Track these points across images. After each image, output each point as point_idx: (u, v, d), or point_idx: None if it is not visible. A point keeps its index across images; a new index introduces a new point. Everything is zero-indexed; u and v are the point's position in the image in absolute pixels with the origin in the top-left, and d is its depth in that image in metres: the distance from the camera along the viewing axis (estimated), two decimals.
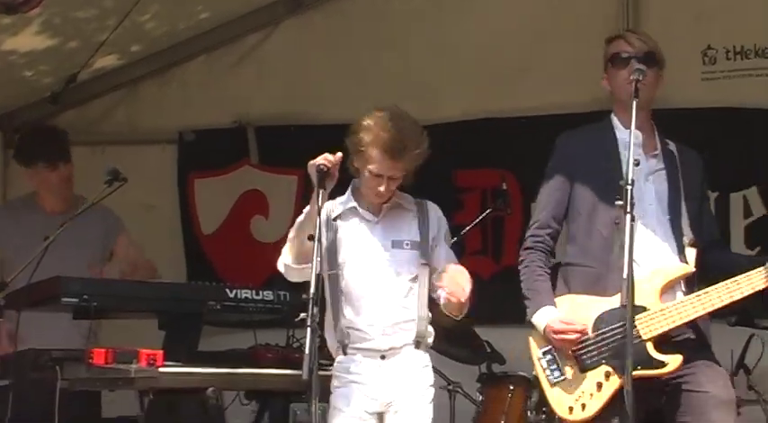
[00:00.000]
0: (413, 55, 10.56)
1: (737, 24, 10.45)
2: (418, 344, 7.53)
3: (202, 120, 11.62)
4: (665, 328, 6.97)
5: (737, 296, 7.00)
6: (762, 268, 6.98)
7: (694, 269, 7.15)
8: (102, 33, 10.71)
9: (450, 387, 9.28)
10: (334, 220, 7.50)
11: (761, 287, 6.96)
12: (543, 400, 8.85)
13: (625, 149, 6.98)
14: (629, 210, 6.59)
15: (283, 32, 11.47)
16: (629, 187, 6.62)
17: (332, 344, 7.55)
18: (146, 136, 11.58)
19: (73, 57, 11.03)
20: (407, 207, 7.61)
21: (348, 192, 7.56)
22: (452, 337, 8.87)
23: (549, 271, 7.55)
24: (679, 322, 7.01)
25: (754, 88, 10.23)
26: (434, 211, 7.69)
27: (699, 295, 7.05)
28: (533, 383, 9.13)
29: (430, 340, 7.68)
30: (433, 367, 8.07)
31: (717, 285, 7.02)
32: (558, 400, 7.33)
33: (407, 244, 7.49)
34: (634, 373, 6.71)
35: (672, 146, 7.49)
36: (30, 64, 10.90)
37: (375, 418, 7.51)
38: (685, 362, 7.03)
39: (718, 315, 7.61)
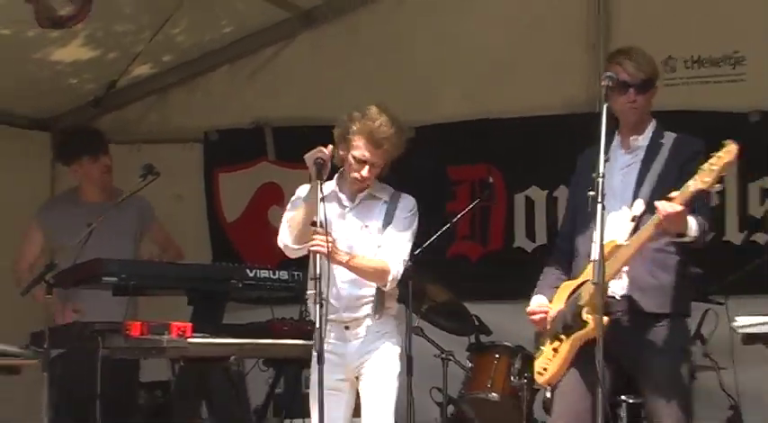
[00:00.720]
0: (412, 64, 10.64)
1: (694, 37, 10.57)
2: (378, 314, 7.70)
3: (225, 121, 11.72)
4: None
5: (628, 254, 7.15)
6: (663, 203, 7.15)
7: (622, 242, 7.16)
8: (138, 45, 10.78)
9: (444, 355, 9.25)
10: (321, 200, 7.47)
11: (648, 235, 7.06)
12: (525, 367, 9.12)
13: (614, 154, 7.32)
14: (599, 199, 6.77)
15: (298, 45, 11.50)
16: (600, 179, 6.77)
17: (312, 311, 7.50)
18: (176, 135, 11.62)
19: (112, 66, 11.10)
20: (381, 197, 7.72)
21: (335, 178, 7.72)
22: (445, 312, 9.02)
23: (556, 270, 7.73)
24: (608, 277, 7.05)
25: (709, 93, 10.41)
26: (404, 204, 7.82)
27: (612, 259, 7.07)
28: (516, 352, 9.34)
29: (391, 311, 7.86)
30: (428, 337, 8.30)
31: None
32: (535, 368, 7.51)
33: (373, 229, 7.63)
34: (571, 336, 7.13)
35: (666, 138, 7.51)
36: (74, 72, 10.97)
37: (348, 383, 7.80)
38: (628, 340, 7.28)
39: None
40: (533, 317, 7.49)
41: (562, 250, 7.80)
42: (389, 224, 7.78)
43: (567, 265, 7.68)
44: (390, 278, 7.67)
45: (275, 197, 11.34)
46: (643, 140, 7.56)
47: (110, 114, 11.58)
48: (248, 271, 9.27)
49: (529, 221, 10.79)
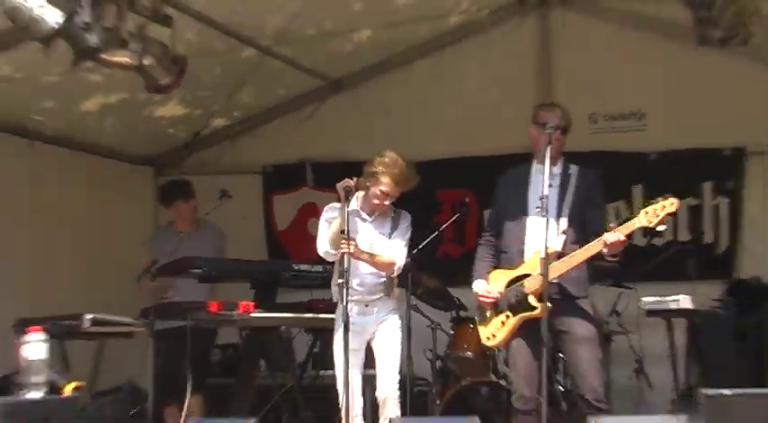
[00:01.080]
0: (412, 119, 10.73)
1: (610, 99, 10.70)
2: (388, 295, 7.82)
3: (277, 159, 11.74)
4: (536, 285, 7.11)
5: (575, 262, 7.19)
6: (597, 240, 7.19)
7: (558, 249, 7.23)
8: (216, 105, 10.91)
9: (433, 325, 9.36)
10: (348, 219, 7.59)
11: (593, 252, 7.12)
12: None
13: (534, 177, 7.32)
14: (544, 214, 6.88)
15: (330, 104, 11.51)
16: (545, 199, 6.91)
17: (335, 294, 7.82)
18: (243, 169, 11.63)
19: (197, 120, 11.17)
20: (389, 214, 7.84)
21: (356, 199, 7.76)
22: (434, 295, 9.07)
23: (488, 256, 7.75)
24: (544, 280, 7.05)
25: (621, 139, 10.52)
26: (404, 219, 7.99)
27: (559, 262, 7.18)
28: None
29: (395, 293, 7.99)
30: (422, 313, 8.41)
31: (570, 254, 7.22)
32: (483, 333, 7.60)
33: (385, 236, 7.76)
34: (519, 315, 7.22)
35: (572, 169, 7.52)
36: (171, 124, 11.07)
37: (362, 349, 7.84)
38: (559, 314, 7.24)
39: (599, 280, 8.02)
40: (484, 299, 7.55)
41: (491, 244, 7.84)
42: (395, 232, 7.88)
43: (495, 256, 7.76)
44: (396, 268, 7.83)
45: (313, 212, 11.18)
46: (557, 170, 7.54)
47: (196, 154, 11.64)
48: (294, 265, 9.49)
49: None
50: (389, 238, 7.91)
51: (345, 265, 7.46)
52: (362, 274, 7.86)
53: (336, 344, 7.77)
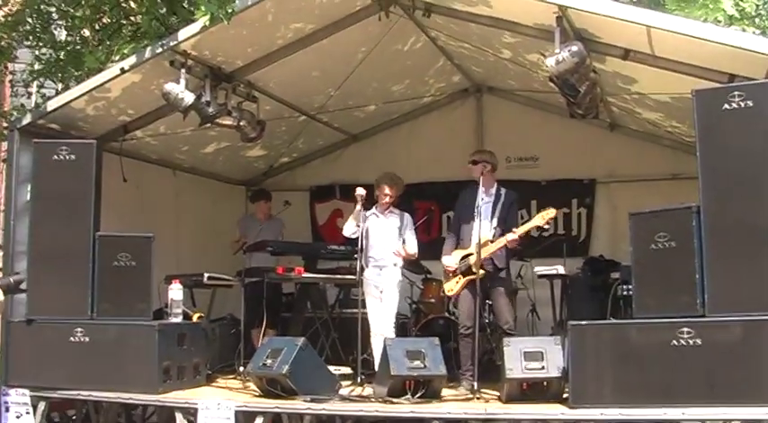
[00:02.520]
0: (401, 158, 10.62)
1: (516, 147, 10.72)
2: (394, 265, 7.98)
3: (318, 182, 11.70)
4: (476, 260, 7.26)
5: (495, 247, 7.51)
6: (505, 236, 7.43)
7: (491, 239, 7.51)
8: (283, 149, 11.01)
9: (411, 283, 9.42)
10: (368, 216, 7.86)
11: (504, 243, 7.44)
12: None
13: (479, 196, 7.41)
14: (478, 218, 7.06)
15: (351, 150, 11.59)
16: (479, 208, 7.21)
17: (363, 263, 7.88)
18: (298, 187, 11.57)
19: (272, 158, 11.26)
20: (396, 213, 8.01)
21: (374, 206, 8.02)
22: (413, 265, 9.05)
23: (451, 243, 7.92)
24: (483, 255, 7.32)
25: (524, 173, 10.54)
26: (407, 217, 8.12)
27: (490, 246, 7.45)
28: (441, 282, 9.40)
29: (399, 264, 8.08)
30: (405, 276, 8.48)
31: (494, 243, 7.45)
32: (446, 287, 7.81)
33: (394, 226, 7.96)
34: (466, 277, 7.43)
35: (502, 191, 7.77)
36: (255, 161, 11.10)
37: (380, 296, 7.97)
38: (490, 277, 7.42)
39: (512, 257, 8.10)
40: (447, 268, 7.76)
41: (452, 235, 8.01)
42: (405, 228, 8.17)
43: (456, 242, 7.89)
44: (414, 253, 8.24)
45: (339, 214, 11.30)
46: (493, 191, 7.81)
47: (271, 179, 11.62)
48: (328, 246, 9.58)
49: (447, 225, 10.71)
50: (400, 230, 8.11)
51: (359, 247, 7.86)
52: (380, 249, 8.11)
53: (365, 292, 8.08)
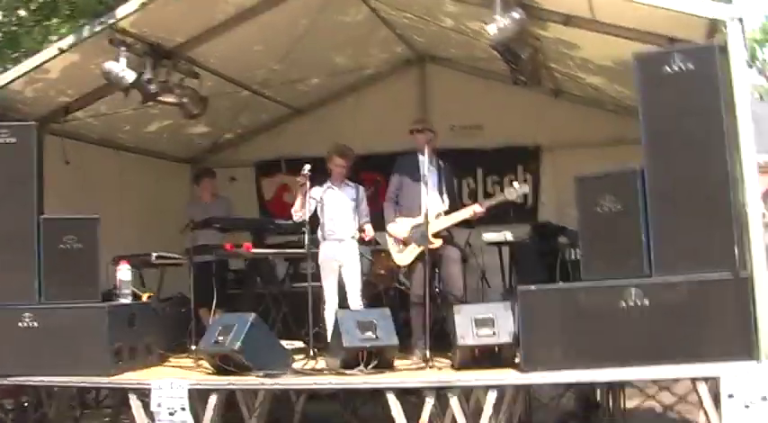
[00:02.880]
0: (345, 131, 10.52)
1: (462, 116, 10.79)
2: (352, 237, 7.94)
3: (264, 156, 11.68)
4: (435, 230, 7.32)
5: (453, 220, 7.66)
6: (468, 208, 7.46)
7: (446, 209, 7.56)
8: (227, 126, 10.98)
9: (361, 254, 9.32)
10: (324, 190, 7.87)
11: (466, 216, 7.61)
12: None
13: (421, 163, 7.43)
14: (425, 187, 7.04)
15: (295, 123, 11.60)
16: (425, 175, 7.12)
17: (320, 237, 7.89)
18: (243, 163, 11.57)
19: (215, 135, 11.22)
20: (351, 185, 8.04)
21: (329, 179, 7.97)
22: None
23: (393, 210, 7.92)
24: (439, 228, 7.39)
25: (469, 140, 10.61)
26: (361, 189, 8.15)
27: (446, 218, 7.52)
28: (389, 253, 9.47)
29: (356, 236, 8.06)
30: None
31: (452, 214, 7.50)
32: (396, 258, 7.77)
33: (350, 198, 7.98)
34: (420, 247, 7.46)
35: (440, 162, 7.83)
36: (199, 138, 11.06)
37: (337, 270, 7.94)
38: (441, 247, 7.52)
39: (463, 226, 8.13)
40: (395, 236, 7.82)
41: (392, 201, 8.03)
42: (362, 200, 8.24)
43: (396, 207, 7.96)
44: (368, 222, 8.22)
45: (285, 189, 11.35)
46: (434, 160, 7.83)
47: (216, 155, 11.58)
48: (275, 220, 9.57)
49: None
50: (356, 202, 8.12)
51: (307, 219, 7.81)
52: (340, 222, 8.08)
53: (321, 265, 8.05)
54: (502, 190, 10.37)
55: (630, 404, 7.91)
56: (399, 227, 7.83)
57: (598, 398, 7.90)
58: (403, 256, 7.80)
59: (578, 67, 8.72)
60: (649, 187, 5.99)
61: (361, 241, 8.33)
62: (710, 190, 5.86)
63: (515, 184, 7.71)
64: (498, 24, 6.58)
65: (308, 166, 7.75)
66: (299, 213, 7.98)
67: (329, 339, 7.53)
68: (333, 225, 8.09)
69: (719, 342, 5.73)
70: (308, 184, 7.76)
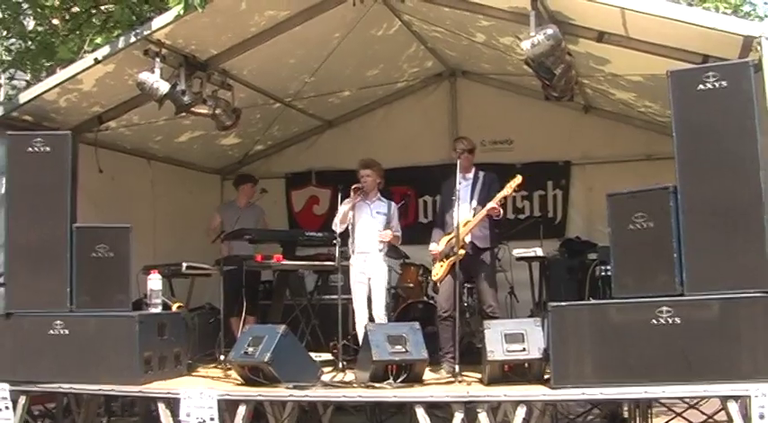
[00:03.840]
0: (375, 144, 10.50)
1: (491, 131, 10.75)
2: (379, 251, 7.92)
3: (294, 169, 11.71)
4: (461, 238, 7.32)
5: (473, 224, 7.58)
6: (483, 209, 7.54)
7: (471, 219, 7.55)
8: (257, 137, 11.00)
9: (390, 268, 9.22)
10: (354, 206, 7.86)
11: (483, 216, 7.58)
12: (424, 272, 9.21)
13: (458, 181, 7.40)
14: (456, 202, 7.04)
15: (326, 135, 11.60)
16: (458, 191, 7.15)
17: (350, 251, 7.92)
18: (274, 175, 11.53)
19: (246, 146, 11.25)
20: (383, 201, 8.01)
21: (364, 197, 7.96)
22: (392, 249, 9.03)
23: (437, 233, 7.95)
24: (463, 236, 7.40)
25: (499, 155, 10.50)
26: (392, 204, 8.12)
27: (468, 225, 7.50)
28: (419, 266, 9.48)
29: (384, 250, 7.99)
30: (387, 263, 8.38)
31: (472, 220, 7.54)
32: (433, 272, 7.76)
33: (381, 214, 7.92)
34: (448, 260, 7.54)
35: (480, 174, 7.84)
36: (230, 149, 11.10)
37: (366, 282, 7.94)
38: (472, 261, 7.55)
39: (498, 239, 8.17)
40: (434, 254, 7.81)
41: (438, 223, 8.04)
42: (393, 217, 8.21)
43: (442, 229, 7.85)
44: (399, 237, 8.25)
45: (315, 201, 11.46)
46: (470, 175, 7.81)
47: (246, 166, 11.50)
48: (305, 232, 9.57)
49: (425, 211, 10.98)
50: (387, 217, 8.10)
51: (339, 232, 7.88)
52: (367, 237, 8.02)
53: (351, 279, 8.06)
54: (531, 205, 10.62)
55: (658, 422, 7.87)
56: (436, 245, 7.89)
57: (625, 414, 7.85)
58: (437, 271, 7.80)
59: (609, 83, 8.70)
60: (682, 205, 5.95)
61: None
62: (743, 208, 5.82)
63: (513, 180, 7.67)
64: (533, 40, 6.57)
65: (363, 182, 8.02)
66: (343, 225, 8.01)
67: (359, 352, 7.54)
68: (359, 239, 8.08)
69: (750, 360, 5.67)
70: (359, 199, 7.98)
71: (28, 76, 12.98)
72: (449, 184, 7.81)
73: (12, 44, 12.80)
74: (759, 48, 5.83)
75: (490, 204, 7.51)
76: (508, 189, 7.54)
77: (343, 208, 8.01)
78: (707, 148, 5.94)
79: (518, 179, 7.54)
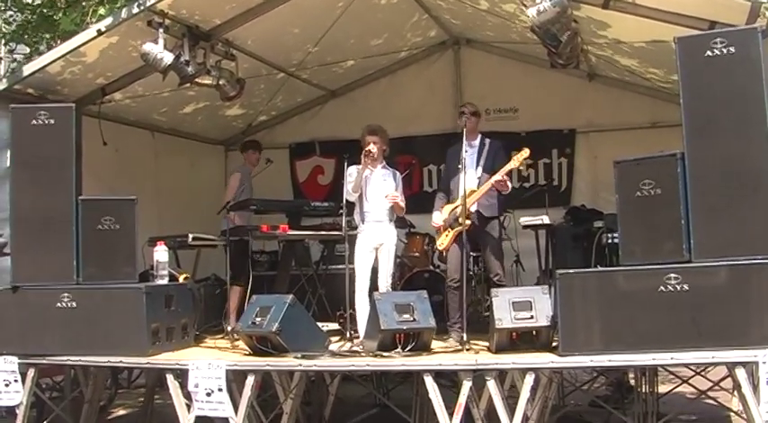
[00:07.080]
0: (379, 113, 10.26)
1: (496, 99, 10.74)
2: (389, 220, 7.85)
3: (298, 138, 11.74)
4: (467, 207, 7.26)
5: (479, 194, 7.55)
6: (488, 181, 7.48)
7: (475, 188, 7.51)
8: (261, 107, 10.97)
9: (398, 237, 9.38)
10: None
11: (488, 188, 7.53)
12: (429, 241, 9.19)
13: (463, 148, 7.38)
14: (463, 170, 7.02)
15: (329, 105, 11.58)
16: (463, 159, 7.11)
17: (358, 219, 7.84)
18: (278, 145, 11.49)
19: (250, 116, 11.24)
20: (388, 169, 7.93)
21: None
22: (397, 219, 9.04)
23: (440, 199, 7.91)
24: (469, 205, 7.36)
25: (504, 123, 10.53)
26: (398, 174, 8.00)
27: (474, 195, 7.48)
28: (425, 235, 9.48)
29: (393, 218, 7.93)
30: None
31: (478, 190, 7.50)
32: (438, 242, 7.73)
33: (387, 179, 7.87)
34: (454, 229, 7.47)
35: (486, 141, 7.79)
36: (234, 119, 11.08)
37: (373, 251, 7.85)
38: (478, 230, 7.54)
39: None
40: (435, 224, 7.77)
41: (442, 190, 7.97)
42: (396, 185, 8.05)
43: (446, 197, 7.82)
44: (403, 207, 8.05)
45: (320, 171, 11.49)
46: (475, 142, 7.72)
47: (250, 137, 11.23)
48: (310, 202, 9.56)
49: (429, 180, 10.99)
50: (393, 183, 8.00)
51: (344, 201, 7.82)
52: (379, 205, 7.94)
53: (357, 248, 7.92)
54: (537, 173, 10.59)
55: (664, 389, 7.91)
56: (439, 215, 7.82)
57: (631, 382, 7.87)
58: (442, 240, 7.75)
59: (613, 49, 8.64)
60: (689, 171, 5.93)
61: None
62: (751, 174, 5.80)
63: (521, 153, 7.63)
64: (538, 7, 6.53)
65: (373, 147, 7.89)
66: (356, 193, 7.92)
67: (359, 322, 7.59)
68: (372, 207, 7.95)
69: (758, 327, 5.66)
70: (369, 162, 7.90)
71: (28, 50, 12.88)
72: (454, 150, 7.75)
73: (11, 17, 12.68)
74: (767, 14, 5.79)
75: (496, 177, 7.45)
76: (515, 162, 7.48)
77: (353, 175, 7.91)
78: (715, 115, 5.91)
79: (525, 152, 7.47)
